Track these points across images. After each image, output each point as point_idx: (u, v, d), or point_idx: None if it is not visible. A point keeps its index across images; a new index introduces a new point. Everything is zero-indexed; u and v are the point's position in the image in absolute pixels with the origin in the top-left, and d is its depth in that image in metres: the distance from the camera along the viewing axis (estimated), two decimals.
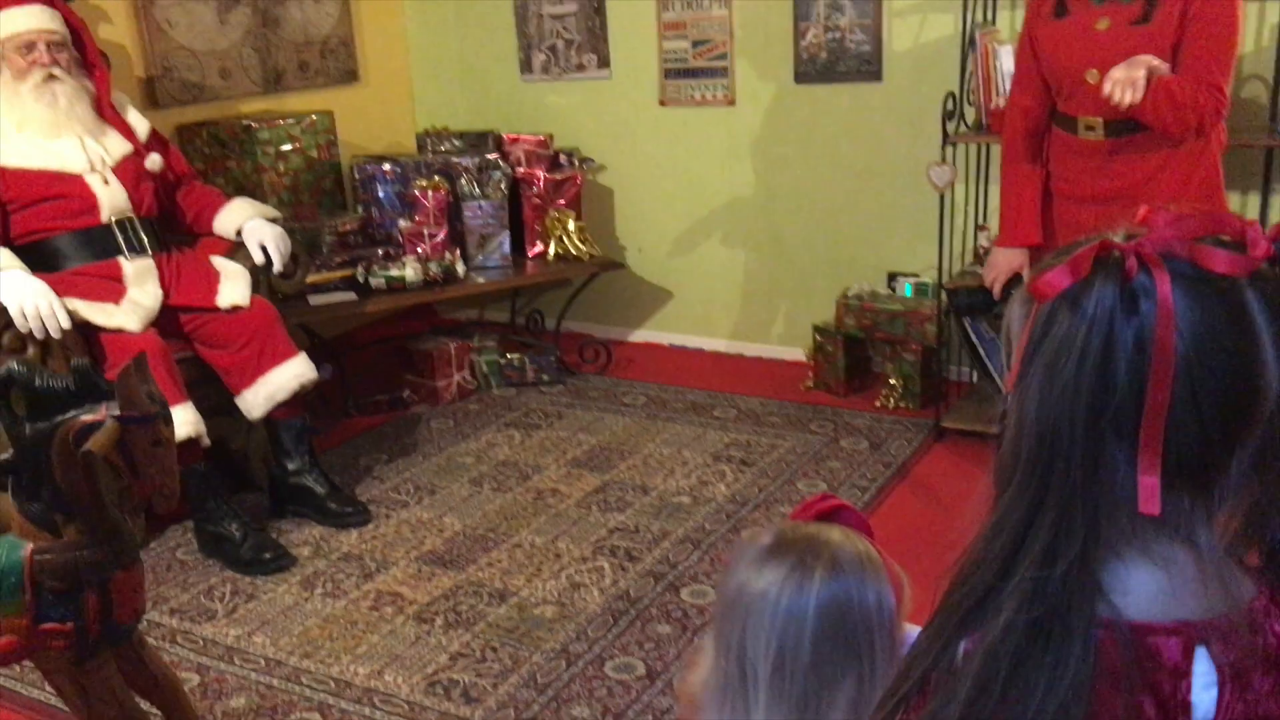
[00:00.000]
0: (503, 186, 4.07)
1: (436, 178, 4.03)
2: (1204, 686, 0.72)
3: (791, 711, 0.99)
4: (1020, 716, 0.68)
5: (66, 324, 2.71)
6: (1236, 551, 0.74)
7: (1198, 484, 0.70)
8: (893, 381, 3.74)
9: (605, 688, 2.35)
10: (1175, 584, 0.72)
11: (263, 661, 2.51)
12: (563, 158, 4.25)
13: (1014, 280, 2.86)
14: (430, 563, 2.91)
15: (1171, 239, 0.69)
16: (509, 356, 4.12)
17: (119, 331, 2.82)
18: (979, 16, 3.34)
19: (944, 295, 3.47)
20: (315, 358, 3.20)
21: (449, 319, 4.79)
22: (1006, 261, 2.86)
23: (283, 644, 2.57)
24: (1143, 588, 0.72)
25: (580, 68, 4.35)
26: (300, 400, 3.12)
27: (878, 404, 3.75)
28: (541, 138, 4.21)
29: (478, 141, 4.28)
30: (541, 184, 4.15)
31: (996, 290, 2.91)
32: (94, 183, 2.95)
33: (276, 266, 3.20)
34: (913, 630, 1.07)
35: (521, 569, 2.86)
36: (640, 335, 4.56)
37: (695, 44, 4.09)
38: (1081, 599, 0.69)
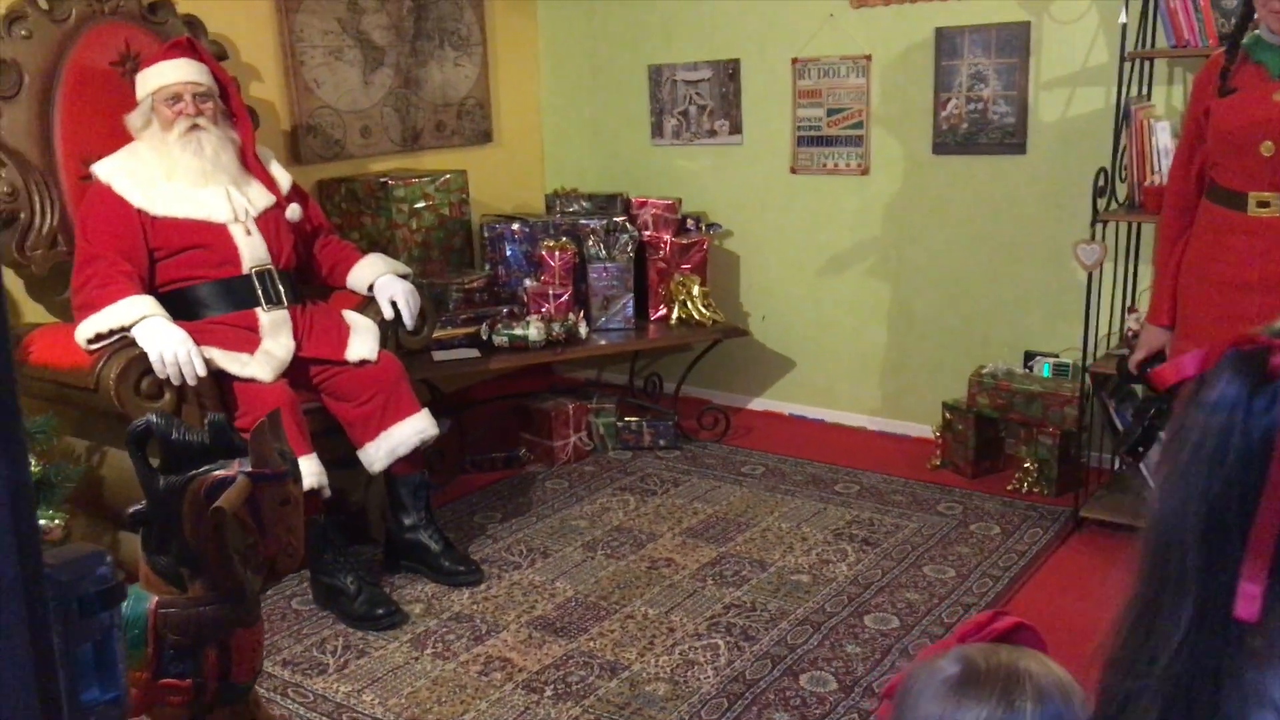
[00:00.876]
0: (629, 249, 4.06)
1: (564, 239, 4.05)
2: None
3: None
4: None
5: (204, 372, 2.77)
6: None
7: None
8: (1027, 465, 3.56)
9: None
10: None
11: None
12: (690, 222, 4.23)
13: (1153, 359, 2.73)
14: (541, 629, 2.85)
15: None
16: (627, 420, 4.08)
17: (251, 380, 2.87)
18: (1133, 91, 3.21)
19: (1086, 377, 3.30)
20: (435, 412, 3.20)
21: (567, 378, 4.78)
22: (1148, 339, 2.75)
23: (391, 704, 2.53)
24: None
25: (712, 133, 4.34)
26: (420, 456, 3.12)
27: (1010, 488, 3.57)
28: (670, 202, 4.20)
29: (606, 204, 4.28)
30: (668, 248, 4.13)
31: (1132, 364, 2.78)
32: (237, 233, 3.03)
33: (407, 323, 3.22)
34: None
35: (634, 641, 2.77)
36: (760, 404, 4.47)
37: (830, 112, 4.04)
38: (1234, 708, 0.62)
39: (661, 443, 4.05)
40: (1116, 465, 3.47)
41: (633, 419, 4.08)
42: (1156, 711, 0.63)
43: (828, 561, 3.17)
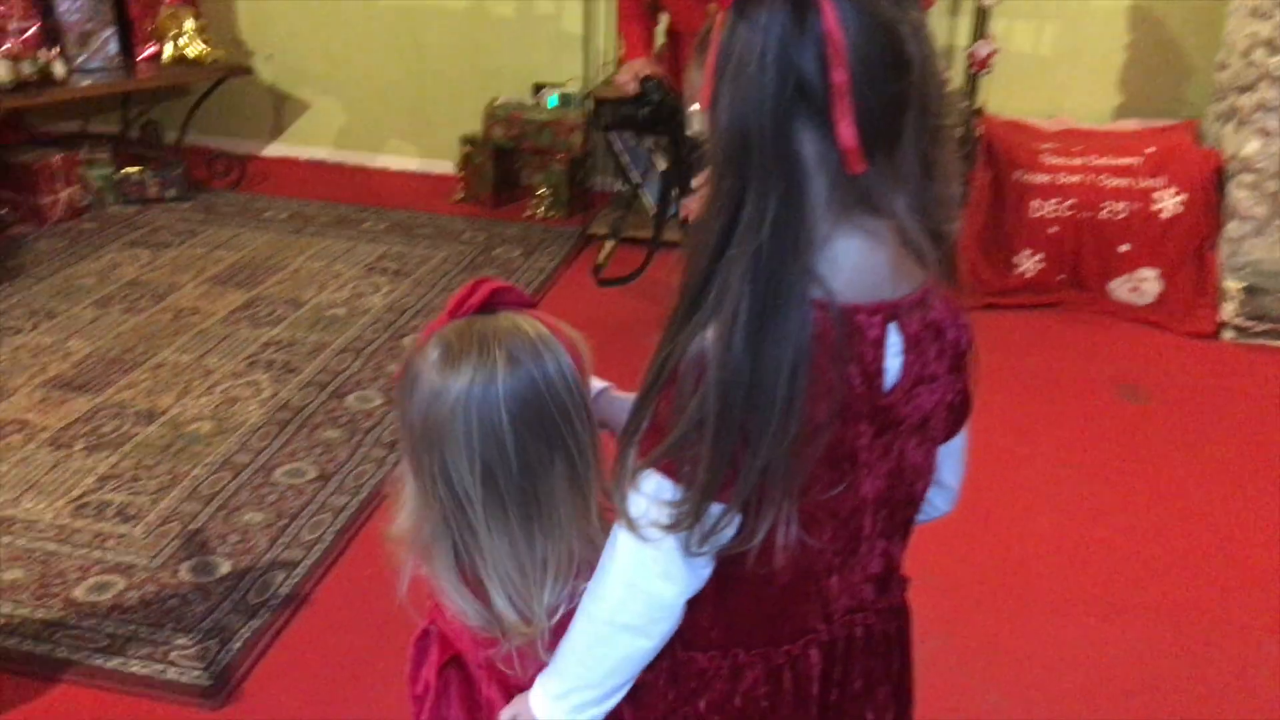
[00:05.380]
0: None
1: None
2: (894, 354, 0.84)
3: (516, 514, 0.97)
4: (759, 383, 0.77)
5: None
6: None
7: (885, 152, 0.78)
8: (541, 191, 3.80)
9: (276, 493, 2.31)
10: (878, 262, 0.82)
11: None
12: None
13: (646, 79, 2.91)
14: (59, 388, 2.66)
15: None
16: (126, 171, 3.74)
17: None
18: None
19: (590, 105, 3.54)
20: None
21: (44, 132, 4.22)
22: (632, 69, 2.92)
23: None
24: (851, 269, 0.80)
25: None
26: None
27: (527, 214, 3.81)
28: None
29: None
30: None
31: (632, 88, 2.95)
32: None
33: None
34: (598, 384, 1.10)
35: (168, 388, 2.69)
36: (275, 150, 4.29)
37: None
38: (795, 280, 0.78)
39: (171, 193, 3.77)
40: (617, 187, 3.79)
41: (133, 169, 3.75)
42: (743, 278, 0.77)
43: (362, 295, 3.23)
